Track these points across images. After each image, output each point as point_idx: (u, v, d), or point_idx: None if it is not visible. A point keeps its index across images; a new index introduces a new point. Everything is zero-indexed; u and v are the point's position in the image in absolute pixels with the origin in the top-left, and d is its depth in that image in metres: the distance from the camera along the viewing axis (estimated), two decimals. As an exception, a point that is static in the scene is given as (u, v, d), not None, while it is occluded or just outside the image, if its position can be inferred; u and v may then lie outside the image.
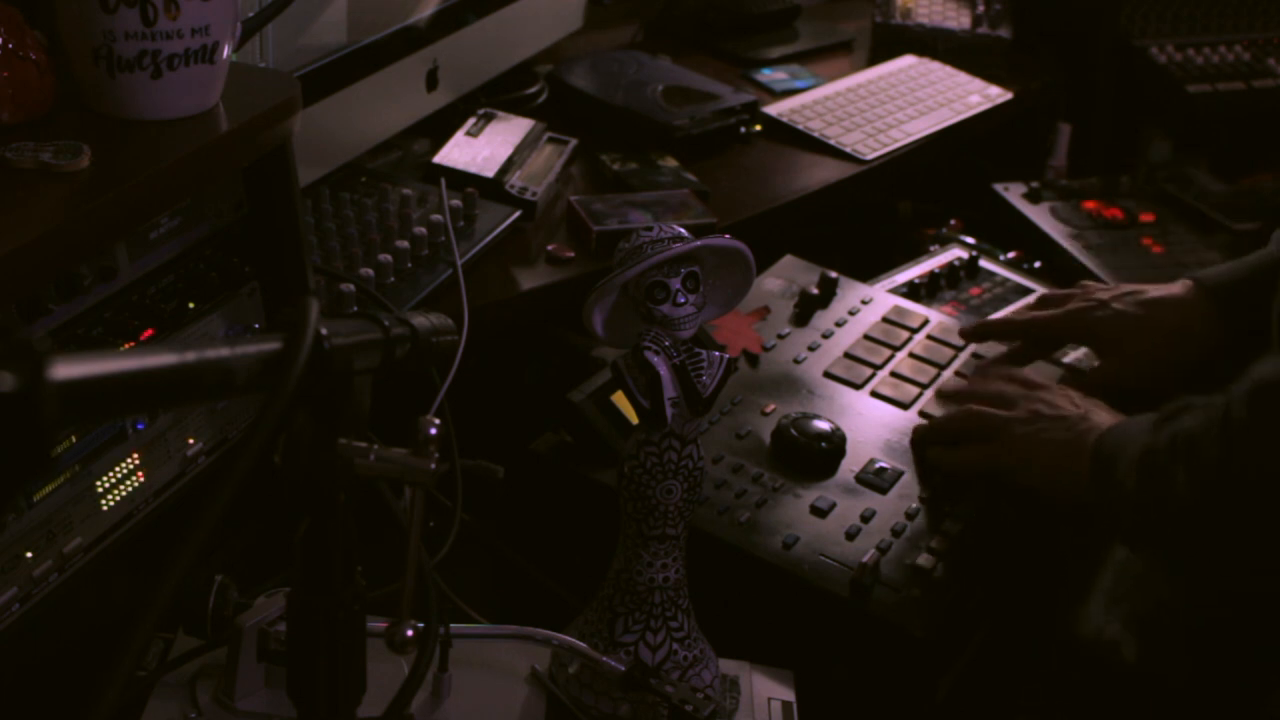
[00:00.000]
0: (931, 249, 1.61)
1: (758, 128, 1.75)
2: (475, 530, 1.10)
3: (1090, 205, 1.75)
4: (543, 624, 0.94)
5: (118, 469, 0.91)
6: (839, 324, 1.33)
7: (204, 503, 0.53)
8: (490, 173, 1.46)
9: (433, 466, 0.68)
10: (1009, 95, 1.91)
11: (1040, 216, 1.71)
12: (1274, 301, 0.96)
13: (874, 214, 1.83)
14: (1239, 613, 1.06)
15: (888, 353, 1.30)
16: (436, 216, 1.34)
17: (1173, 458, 0.97)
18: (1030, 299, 1.52)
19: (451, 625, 0.91)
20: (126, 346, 0.90)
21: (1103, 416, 1.09)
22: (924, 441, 1.17)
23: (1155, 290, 1.26)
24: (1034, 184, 1.77)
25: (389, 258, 1.25)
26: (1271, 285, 1.13)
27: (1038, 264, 1.65)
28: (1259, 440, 0.93)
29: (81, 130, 0.89)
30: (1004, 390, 1.17)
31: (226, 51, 0.94)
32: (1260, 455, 0.93)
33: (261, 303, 1.04)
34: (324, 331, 0.64)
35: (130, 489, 0.92)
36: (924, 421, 1.20)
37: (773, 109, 1.78)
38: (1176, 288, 1.25)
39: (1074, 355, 1.35)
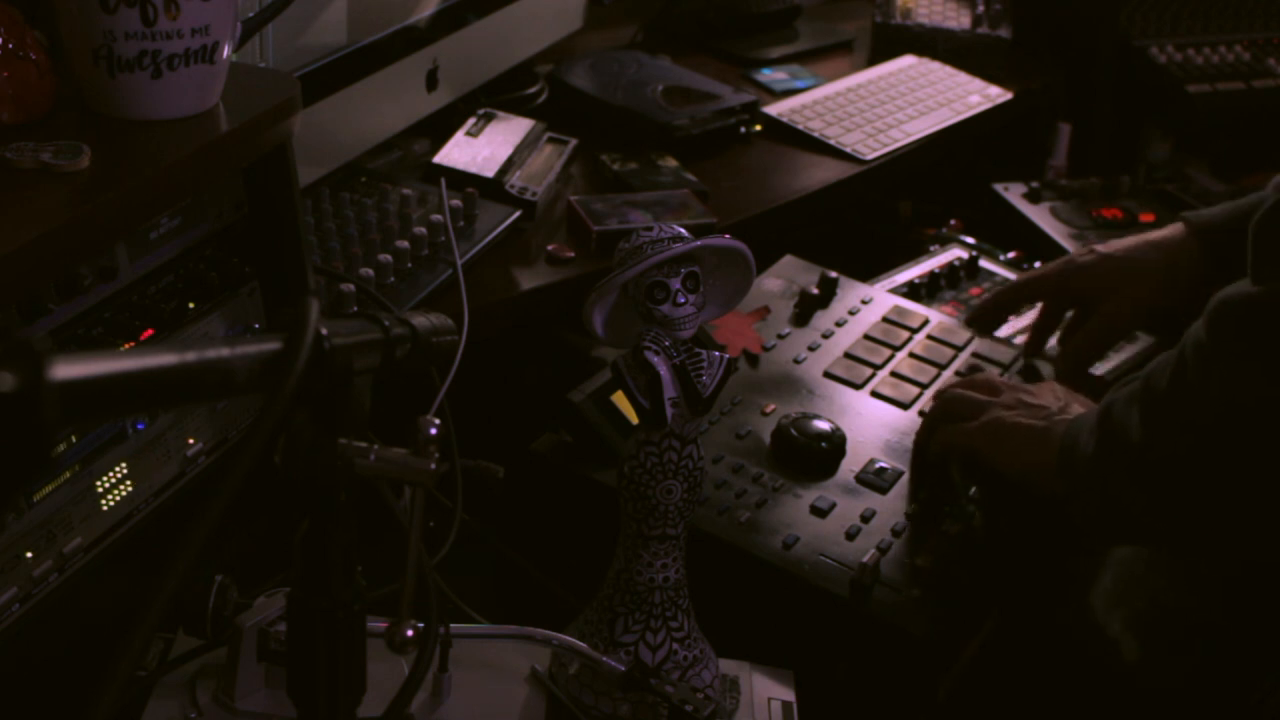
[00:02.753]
0: (931, 249, 1.61)
1: (758, 128, 1.75)
2: (475, 530, 1.10)
3: (1090, 205, 1.75)
4: (543, 624, 0.94)
5: (118, 469, 0.91)
6: (839, 324, 1.33)
7: (205, 503, 0.53)
8: (490, 173, 1.46)
9: (433, 466, 0.68)
10: (1009, 95, 1.91)
11: (1040, 216, 1.71)
12: (1249, 226, 0.94)
13: (874, 214, 1.83)
14: (1239, 612, 1.06)
15: (888, 353, 1.30)
16: (436, 216, 1.34)
17: (1129, 404, 0.95)
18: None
19: (451, 625, 0.91)
20: (126, 346, 0.90)
21: (1079, 410, 1.09)
22: (919, 435, 1.17)
23: (1145, 235, 1.28)
24: (1034, 184, 1.77)
25: (389, 258, 1.25)
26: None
27: (1038, 264, 1.64)
28: (1217, 357, 0.89)
29: (81, 130, 0.89)
30: (992, 380, 1.18)
31: (226, 51, 0.94)
32: (1220, 372, 0.89)
33: (261, 303, 1.04)
34: (324, 331, 0.64)
35: (130, 489, 0.92)
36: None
37: (773, 109, 1.78)
38: (1167, 230, 1.27)
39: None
